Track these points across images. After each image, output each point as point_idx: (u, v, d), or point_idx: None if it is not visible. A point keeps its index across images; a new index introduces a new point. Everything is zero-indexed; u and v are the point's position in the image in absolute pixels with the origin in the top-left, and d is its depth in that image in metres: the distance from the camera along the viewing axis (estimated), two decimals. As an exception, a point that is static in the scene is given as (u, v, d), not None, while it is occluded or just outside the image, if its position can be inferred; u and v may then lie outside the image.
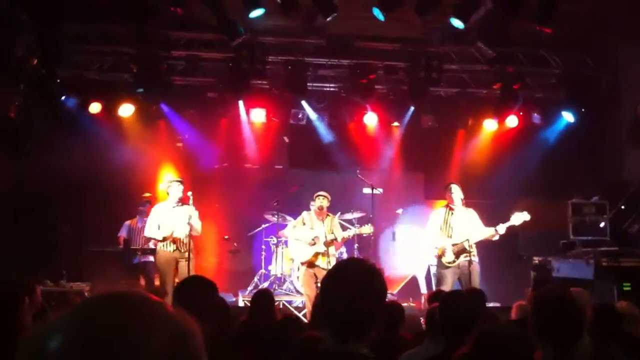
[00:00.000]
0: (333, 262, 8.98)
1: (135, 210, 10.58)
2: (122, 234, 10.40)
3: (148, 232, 8.97)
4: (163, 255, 8.75)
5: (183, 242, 8.65)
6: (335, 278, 2.37)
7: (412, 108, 11.76)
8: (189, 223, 8.56)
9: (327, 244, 9.04)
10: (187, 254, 8.53)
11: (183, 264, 8.53)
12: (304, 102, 11.62)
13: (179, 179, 8.95)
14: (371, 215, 9.88)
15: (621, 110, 10.91)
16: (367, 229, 9.35)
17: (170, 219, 8.69)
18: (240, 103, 11.53)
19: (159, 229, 8.67)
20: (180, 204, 8.75)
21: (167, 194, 8.88)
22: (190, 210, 8.76)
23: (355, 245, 10.60)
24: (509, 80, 11.17)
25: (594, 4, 9.47)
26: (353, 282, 2.31)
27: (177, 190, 8.78)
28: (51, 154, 9.67)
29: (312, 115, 11.84)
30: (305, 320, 8.01)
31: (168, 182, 9.02)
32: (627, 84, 10.85)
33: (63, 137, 10.19)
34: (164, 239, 8.68)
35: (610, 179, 11.00)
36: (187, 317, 1.12)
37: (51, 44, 9.94)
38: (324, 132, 12.07)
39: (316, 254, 9.00)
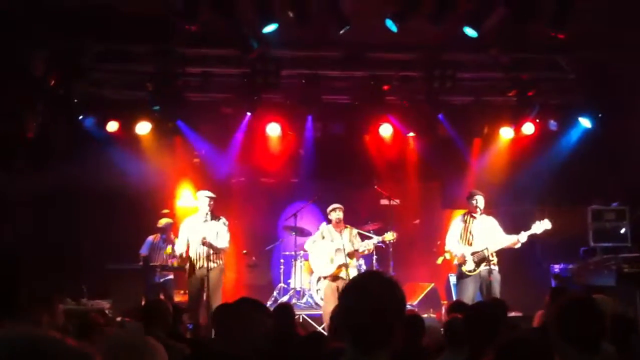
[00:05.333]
0: (353, 273, 8.99)
1: (156, 228, 10.64)
2: (144, 251, 10.45)
3: (177, 248, 9.11)
4: (189, 272, 8.86)
5: (203, 258, 8.68)
6: (356, 289, 2.39)
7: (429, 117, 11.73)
8: (204, 243, 8.59)
9: (351, 255, 9.07)
10: (209, 269, 8.56)
11: (210, 280, 8.58)
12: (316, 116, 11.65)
13: (210, 194, 8.98)
14: (389, 227, 9.86)
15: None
16: (390, 236, 9.34)
17: (198, 234, 8.74)
18: (255, 117, 11.56)
19: (188, 245, 8.77)
20: (210, 217, 8.81)
21: (198, 208, 9.05)
22: (219, 226, 8.81)
23: (374, 257, 10.57)
24: (524, 87, 11.11)
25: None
26: (374, 293, 2.32)
27: (204, 204, 8.84)
28: (70, 172, 9.76)
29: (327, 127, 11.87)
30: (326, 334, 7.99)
31: (200, 196, 9.07)
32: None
33: (82, 155, 10.29)
34: (181, 259, 8.78)
35: (630, 184, 10.88)
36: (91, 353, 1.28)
37: (69, 64, 10.05)
38: (339, 144, 12.07)
39: (339, 267, 9.00)
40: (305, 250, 10.10)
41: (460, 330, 3.93)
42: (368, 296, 2.32)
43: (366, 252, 9.51)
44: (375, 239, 9.41)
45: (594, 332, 3.10)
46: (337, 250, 9.07)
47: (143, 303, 8.58)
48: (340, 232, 9.25)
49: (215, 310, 4.25)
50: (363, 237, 9.64)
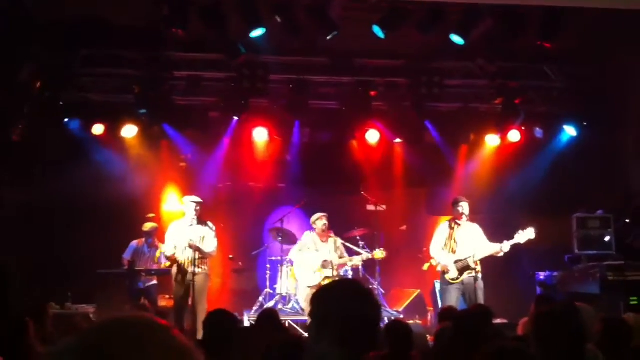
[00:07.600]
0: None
1: (142, 232, 10.58)
2: (127, 255, 10.36)
3: (165, 251, 9.11)
4: (175, 277, 8.84)
5: (189, 263, 8.65)
6: (360, 295, 2.41)
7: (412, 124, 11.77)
8: (191, 246, 8.56)
9: (338, 267, 9.09)
10: (194, 275, 8.53)
11: (196, 285, 8.55)
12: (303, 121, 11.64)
13: (197, 199, 8.96)
14: (376, 233, 9.86)
15: (626, 122, 10.79)
16: (379, 254, 9.35)
17: (184, 238, 8.73)
18: (242, 122, 11.53)
19: (175, 248, 8.72)
20: (196, 222, 8.80)
21: (184, 212, 9.01)
22: (205, 231, 8.79)
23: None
24: (511, 94, 11.17)
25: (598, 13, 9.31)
26: (374, 299, 2.40)
27: (191, 208, 8.80)
28: (56, 176, 9.70)
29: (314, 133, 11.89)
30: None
31: (187, 201, 9.05)
32: (634, 94, 10.68)
33: (67, 159, 10.23)
34: (170, 260, 8.73)
35: (615, 192, 10.96)
36: (188, 341, 1.14)
37: (57, 68, 10.00)
38: (326, 150, 12.07)
39: (326, 278, 9.01)
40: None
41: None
42: (370, 301, 2.38)
43: (357, 265, 9.52)
44: (365, 255, 9.41)
45: (572, 344, 3.14)
46: (325, 262, 9.06)
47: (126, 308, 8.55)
48: (326, 241, 9.24)
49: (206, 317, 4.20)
50: (351, 252, 9.62)
